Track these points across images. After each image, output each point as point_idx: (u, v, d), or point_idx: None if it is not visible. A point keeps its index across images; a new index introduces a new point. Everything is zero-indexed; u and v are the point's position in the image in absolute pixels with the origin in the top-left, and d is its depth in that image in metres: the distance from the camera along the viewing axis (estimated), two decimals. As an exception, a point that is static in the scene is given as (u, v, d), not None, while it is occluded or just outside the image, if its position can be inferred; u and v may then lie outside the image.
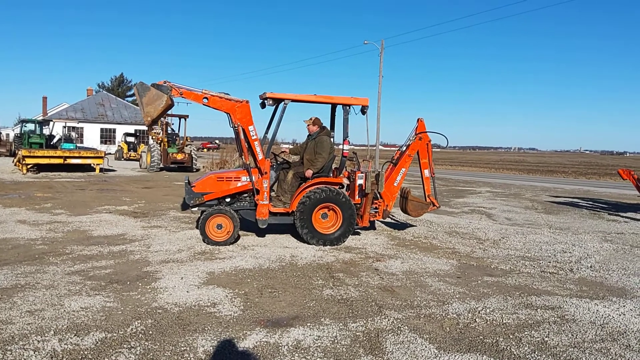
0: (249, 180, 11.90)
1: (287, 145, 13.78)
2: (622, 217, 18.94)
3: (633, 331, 7.05)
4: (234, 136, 12.09)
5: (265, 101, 11.86)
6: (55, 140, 43.79)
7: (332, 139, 12.75)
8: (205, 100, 11.34)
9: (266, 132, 13.08)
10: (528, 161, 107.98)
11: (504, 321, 7.28)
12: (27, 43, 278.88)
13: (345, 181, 12.52)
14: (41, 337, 6.11)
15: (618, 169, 22.12)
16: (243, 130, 11.60)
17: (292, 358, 5.79)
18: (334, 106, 13.20)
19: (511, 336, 6.71)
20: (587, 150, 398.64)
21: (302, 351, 5.99)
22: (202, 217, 11.59)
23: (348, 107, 12.17)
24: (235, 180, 11.94)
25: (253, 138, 11.66)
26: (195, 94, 11.31)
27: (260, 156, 11.70)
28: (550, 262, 11.13)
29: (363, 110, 12.30)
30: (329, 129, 12.91)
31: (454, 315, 7.45)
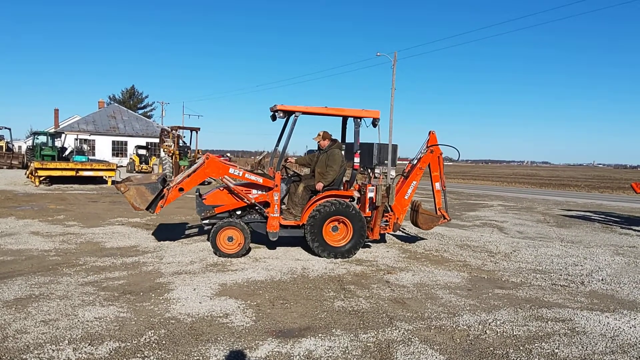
0: (259, 193, 11.96)
1: (293, 157, 13.75)
2: (635, 230, 18.90)
3: (643, 343, 7.07)
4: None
5: (276, 113, 11.92)
6: (67, 152, 43.96)
7: (343, 152, 12.78)
8: (182, 191, 11.81)
9: (277, 145, 13.15)
10: (541, 175, 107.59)
11: (515, 333, 7.31)
12: (39, 56, 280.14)
13: (356, 194, 12.54)
14: (56, 346, 6.19)
15: (631, 183, 22.04)
16: (230, 177, 11.80)
17: (304, 368, 5.85)
18: (345, 119, 13.23)
19: (521, 348, 6.75)
20: (600, 164, 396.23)
21: (314, 361, 6.03)
22: (213, 230, 11.64)
23: (359, 120, 12.21)
24: (245, 193, 11.98)
25: (240, 175, 11.83)
26: (173, 196, 11.71)
27: (260, 180, 11.85)
28: (561, 275, 11.15)
29: (374, 123, 12.31)
30: (339, 141, 12.95)
31: (465, 327, 7.49)
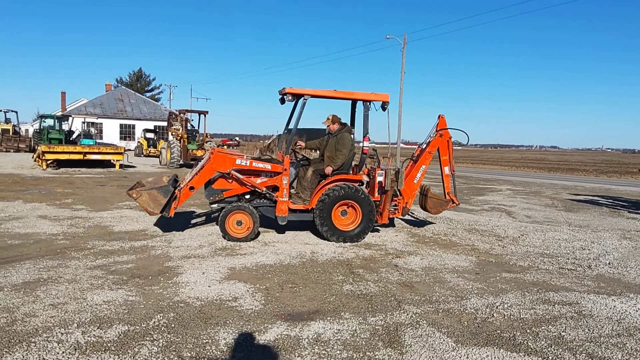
0: (268, 177, 11.96)
1: (302, 142, 13.60)
2: (642, 215, 18.86)
3: (651, 327, 7.09)
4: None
5: (285, 97, 11.86)
6: (74, 135, 43.93)
7: (353, 136, 12.76)
8: (192, 190, 11.78)
9: (286, 128, 13.13)
10: (549, 159, 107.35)
11: (522, 316, 7.33)
12: (46, 39, 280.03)
13: (365, 178, 12.53)
14: (65, 329, 6.21)
15: (639, 167, 22.01)
16: (237, 169, 11.79)
17: (312, 350, 5.87)
18: (354, 102, 13.22)
19: (528, 331, 6.77)
20: (608, 149, 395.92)
21: (322, 344, 6.07)
22: (221, 214, 11.65)
23: (368, 103, 12.16)
24: (254, 178, 11.99)
25: (247, 165, 11.86)
26: (184, 195, 11.71)
27: (268, 167, 11.90)
28: (568, 259, 11.15)
29: (384, 107, 12.26)
30: (349, 125, 12.94)
31: (472, 310, 7.51)
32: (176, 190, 11.53)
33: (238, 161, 11.75)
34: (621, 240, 13.29)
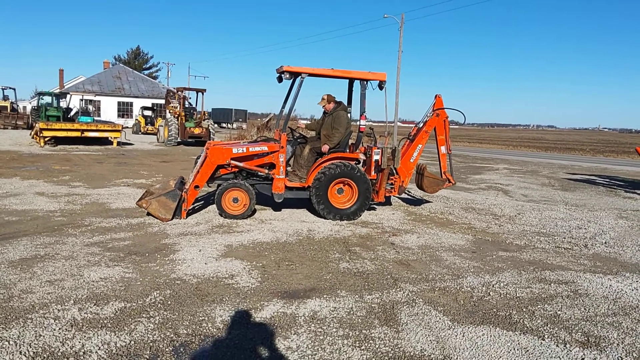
0: (266, 155, 11.94)
1: (304, 121, 13.65)
2: (639, 194, 18.89)
3: (646, 306, 7.11)
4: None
5: (282, 75, 11.88)
6: (72, 113, 43.83)
7: (349, 114, 12.76)
8: (197, 188, 11.67)
9: (283, 107, 13.11)
10: (546, 139, 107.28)
11: (518, 295, 7.34)
12: (43, 16, 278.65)
13: (362, 157, 12.53)
14: (61, 306, 6.21)
15: (636, 147, 21.98)
16: (235, 158, 11.76)
17: (309, 328, 5.88)
18: (351, 81, 13.17)
19: (524, 309, 6.78)
20: (605, 128, 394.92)
21: (319, 322, 6.08)
22: (218, 191, 11.65)
23: (365, 82, 12.15)
24: (254, 161, 11.95)
25: (244, 152, 11.85)
26: (191, 195, 11.58)
27: (265, 149, 11.94)
28: (565, 238, 11.17)
29: (381, 86, 12.24)
30: (345, 104, 12.91)
31: (469, 289, 7.52)
32: (183, 192, 11.49)
33: (235, 150, 11.72)
34: (617, 220, 13.32)
